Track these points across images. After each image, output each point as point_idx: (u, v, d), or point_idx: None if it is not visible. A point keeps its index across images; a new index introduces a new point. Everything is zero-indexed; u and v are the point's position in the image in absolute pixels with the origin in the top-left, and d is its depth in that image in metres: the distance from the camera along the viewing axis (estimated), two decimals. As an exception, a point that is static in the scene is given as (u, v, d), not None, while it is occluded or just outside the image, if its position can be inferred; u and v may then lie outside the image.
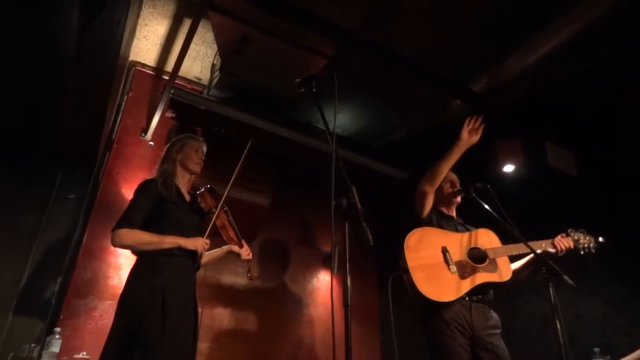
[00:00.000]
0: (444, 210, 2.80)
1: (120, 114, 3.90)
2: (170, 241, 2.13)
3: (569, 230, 2.56)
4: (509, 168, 3.68)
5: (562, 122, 3.74)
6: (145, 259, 2.13)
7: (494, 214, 2.54)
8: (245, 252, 2.53)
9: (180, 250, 2.15)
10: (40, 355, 2.60)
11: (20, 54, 2.59)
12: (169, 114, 3.74)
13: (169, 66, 4.14)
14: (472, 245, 2.53)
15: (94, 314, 3.15)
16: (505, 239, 2.57)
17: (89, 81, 2.96)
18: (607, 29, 3.14)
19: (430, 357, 2.40)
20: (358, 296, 4.56)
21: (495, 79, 3.62)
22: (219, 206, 2.39)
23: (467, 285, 2.37)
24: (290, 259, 4.38)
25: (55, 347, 2.70)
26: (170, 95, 3.57)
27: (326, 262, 4.56)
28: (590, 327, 3.24)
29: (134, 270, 2.13)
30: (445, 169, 2.62)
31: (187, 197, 2.40)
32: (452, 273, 2.40)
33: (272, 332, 4.02)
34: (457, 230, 2.67)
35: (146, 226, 2.18)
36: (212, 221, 2.36)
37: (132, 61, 4.14)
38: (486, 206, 2.62)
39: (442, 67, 3.70)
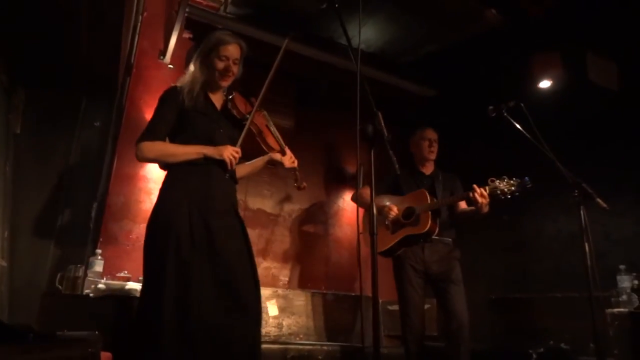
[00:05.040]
0: (419, 166, 3.15)
1: (137, 36, 3.77)
2: (194, 151, 1.99)
3: (489, 179, 2.71)
4: (545, 84, 3.46)
5: (608, 29, 3.42)
6: (172, 172, 2.03)
7: (527, 134, 2.46)
8: (289, 160, 2.28)
9: (208, 159, 2.00)
10: (85, 274, 2.79)
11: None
12: (186, 35, 3.59)
13: (182, -19, 3.90)
14: (409, 205, 2.92)
15: (130, 236, 3.32)
16: (536, 160, 2.50)
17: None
18: None
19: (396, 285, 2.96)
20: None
21: (536, -17, 3.28)
22: (254, 109, 2.14)
23: (395, 239, 2.91)
24: (315, 180, 4.41)
25: (99, 267, 2.88)
26: (186, 15, 3.40)
27: (351, 182, 4.59)
28: (617, 246, 3.23)
29: (162, 184, 2.03)
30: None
31: (219, 106, 2.19)
32: (387, 230, 2.95)
33: (300, 252, 4.18)
34: (420, 186, 3.03)
35: (172, 137, 2.06)
36: (246, 127, 2.11)
37: (144, -23, 3.91)
38: (518, 126, 2.53)
39: (477, -29, 3.37)
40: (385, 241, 2.94)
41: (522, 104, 2.51)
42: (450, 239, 2.97)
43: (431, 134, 3.12)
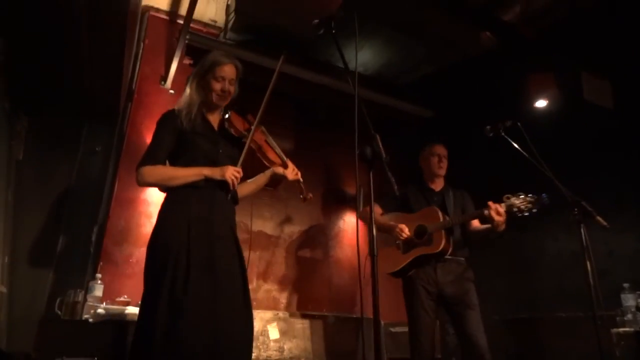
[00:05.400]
0: (428, 182, 3.07)
1: (138, 62, 3.84)
2: (195, 173, 1.98)
3: (504, 196, 2.62)
4: (541, 103, 3.50)
5: (601, 48, 3.48)
6: (171, 195, 2.01)
7: (524, 153, 2.47)
8: (292, 172, 2.28)
9: (209, 181, 2.00)
10: (85, 299, 2.77)
11: (31, 6, 2.54)
12: (187, 61, 3.66)
13: (183, 9, 3.99)
14: (420, 223, 2.85)
15: (130, 260, 3.30)
16: (534, 178, 2.51)
17: (103, 29, 2.90)
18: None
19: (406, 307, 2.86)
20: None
21: (529, 6, 3.35)
22: (253, 127, 2.13)
23: (407, 259, 2.84)
24: (315, 201, 4.41)
25: (98, 291, 2.86)
26: (186, 42, 3.47)
27: (351, 203, 4.59)
28: (620, 264, 3.21)
29: (162, 207, 2.01)
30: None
31: (216, 126, 2.19)
32: (398, 249, 2.89)
33: (301, 274, 4.15)
34: (430, 202, 2.96)
35: (172, 160, 2.06)
36: (246, 145, 2.09)
37: (145, 6, 4.00)
38: (516, 145, 2.55)
39: (471, -5, 3.45)
40: (396, 261, 2.86)
41: (519, 123, 2.53)
42: (463, 259, 2.86)
43: (440, 150, 3.05)
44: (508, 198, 2.60)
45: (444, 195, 2.98)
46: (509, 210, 2.58)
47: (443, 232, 2.75)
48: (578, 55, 3.52)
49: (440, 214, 2.81)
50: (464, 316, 2.67)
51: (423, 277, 2.78)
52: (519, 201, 2.56)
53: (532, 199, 2.54)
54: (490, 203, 2.61)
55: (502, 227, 2.61)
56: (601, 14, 3.39)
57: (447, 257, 2.77)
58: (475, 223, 2.89)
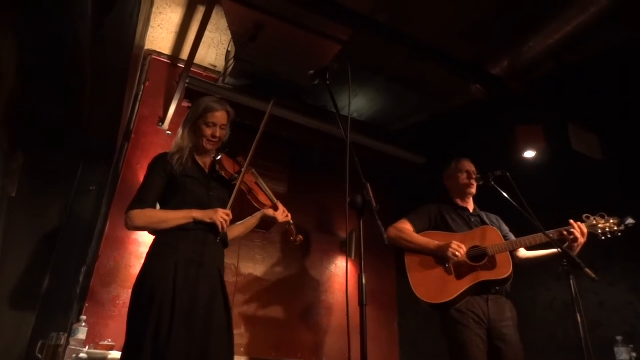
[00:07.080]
0: (459, 202, 2.81)
1: (138, 104, 3.93)
2: (184, 215, 1.97)
3: (584, 216, 2.41)
4: (529, 154, 3.58)
5: (586, 102, 3.62)
6: (160, 237, 1.99)
7: (514, 202, 2.49)
8: (282, 215, 2.26)
9: (198, 224, 1.99)
10: (67, 343, 2.69)
11: (36, 49, 2.62)
12: (185, 104, 3.74)
13: (184, 54, 4.14)
14: (473, 244, 2.53)
15: (117, 302, 3.25)
16: (524, 228, 2.53)
17: (106, 73, 2.98)
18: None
19: (449, 347, 2.44)
20: (377, 280, 4.58)
21: (516, 61, 3.50)
22: (243, 169, 2.14)
23: (464, 285, 2.42)
24: (308, 245, 4.40)
25: (82, 334, 2.79)
26: (186, 85, 3.57)
27: (344, 248, 4.58)
28: (613, 315, 3.18)
29: (150, 249, 1.99)
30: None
31: (207, 168, 2.21)
32: (449, 274, 2.47)
33: (291, 318, 4.08)
34: (469, 223, 2.69)
35: (162, 204, 2.06)
36: (236, 187, 2.10)
37: (148, 50, 4.15)
38: (505, 195, 2.57)
39: (461, 49, 3.59)
40: (448, 288, 2.43)
41: (508, 174, 2.56)
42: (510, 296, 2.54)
43: (469, 165, 2.81)
44: (588, 217, 2.37)
45: (481, 216, 2.75)
46: (593, 232, 2.32)
47: (509, 254, 2.45)
48: (565, 108, 3.64)
49: (501, 235, 2.55)
50: None
51: (473, 310, 2.38)
52: (602, 222, 2.33)
53: (616, 220, 2.33)
54: (572, 221, 2.34)
55: (578, 250, 2.35)
56: (586, 69, 3.55)
57: (499, 288, 2.44)
58: (523, 250, 2.59)
